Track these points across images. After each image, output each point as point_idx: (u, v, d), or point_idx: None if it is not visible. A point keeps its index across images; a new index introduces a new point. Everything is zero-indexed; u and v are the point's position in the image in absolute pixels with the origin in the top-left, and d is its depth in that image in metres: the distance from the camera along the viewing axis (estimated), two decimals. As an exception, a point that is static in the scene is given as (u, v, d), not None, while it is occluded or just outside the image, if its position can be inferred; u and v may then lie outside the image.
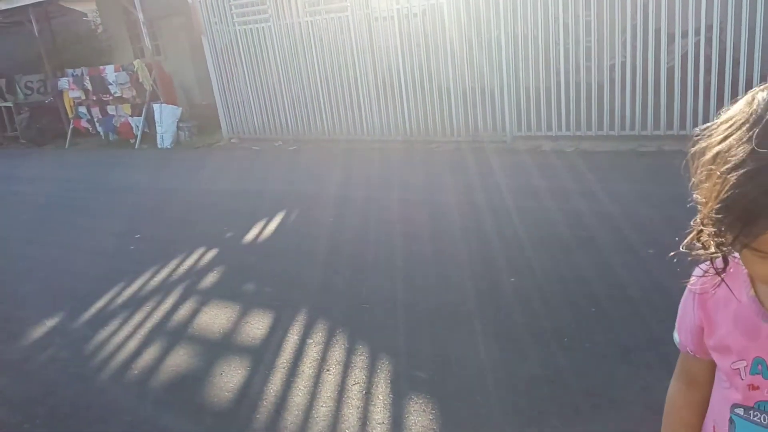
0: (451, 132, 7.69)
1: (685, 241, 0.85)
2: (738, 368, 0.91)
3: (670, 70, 6.52)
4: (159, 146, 11.02)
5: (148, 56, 11.56)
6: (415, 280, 3.95)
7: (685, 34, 6.69)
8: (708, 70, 6.24)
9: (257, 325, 3.61)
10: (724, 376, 0.95)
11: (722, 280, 0.87)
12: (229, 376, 3.12)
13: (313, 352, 3.22)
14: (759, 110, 0.74)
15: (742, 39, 6.02)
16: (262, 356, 3.27)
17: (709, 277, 0.91)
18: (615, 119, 6.66)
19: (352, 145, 8.37)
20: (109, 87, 11.30)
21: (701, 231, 0.81)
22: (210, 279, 4.41)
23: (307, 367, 3.09)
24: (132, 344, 3.60)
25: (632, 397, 2.52)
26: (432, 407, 2.64)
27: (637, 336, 2.96)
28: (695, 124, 6.15)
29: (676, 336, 1.05)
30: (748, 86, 5.97)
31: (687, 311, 1.00)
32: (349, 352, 3.17)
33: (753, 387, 0.89)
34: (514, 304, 3.45)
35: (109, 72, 11.29)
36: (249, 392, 2.97)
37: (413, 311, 3.54)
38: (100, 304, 4.23)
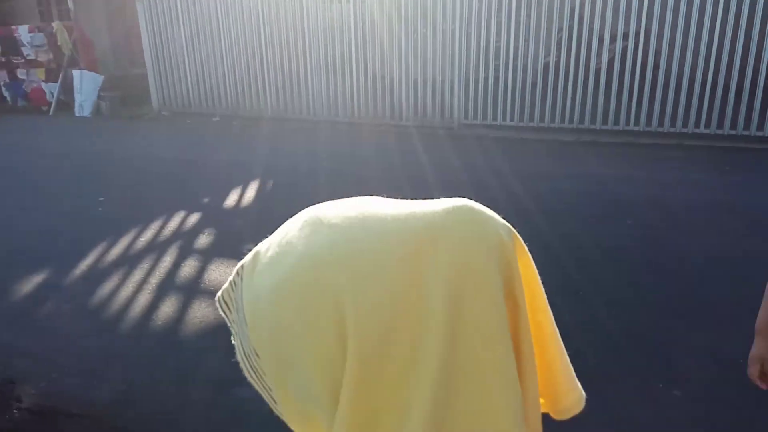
0: (400, 116, 7.96)
1: None
2: None
3: (599, 71, 7.16)
4: (77, 115, 10.39)
5: (58, 18, 10.83)
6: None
7: (613, 39, 7.39)
8: (633, 73, 6.94)
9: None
10: None
11: None
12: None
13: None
14: None
15: (664, 45, 6.75)
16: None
17: None
18: (556, 113, 7.21)
19: (297, 124, 8.40)
20: (22, 49, 10.48)
21: None
22: (205, 240, 4.39)
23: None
24: (143, 298, 3.55)
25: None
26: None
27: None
28: (627, 122, 6.87)
29: None
30: (666, 89, 6.73)
31: None
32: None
33: None
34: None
35: (23, 32, 10.47)
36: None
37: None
38: (89, 261, 4.09)
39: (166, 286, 3.71)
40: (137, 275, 3.86)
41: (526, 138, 7.08)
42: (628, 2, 6.84)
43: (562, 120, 7.15)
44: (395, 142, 7.05)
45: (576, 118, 7.10)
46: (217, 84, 9.17)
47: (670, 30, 6.76)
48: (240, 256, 2.86)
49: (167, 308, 3.43)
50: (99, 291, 3.68)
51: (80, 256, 4.17)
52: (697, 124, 6.63)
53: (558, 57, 7.43)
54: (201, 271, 3.88)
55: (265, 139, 7.55)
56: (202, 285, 3.70)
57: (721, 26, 6.35)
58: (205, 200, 5.30)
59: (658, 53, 6.91)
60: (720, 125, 6.48)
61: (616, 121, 6.94)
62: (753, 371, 1.49)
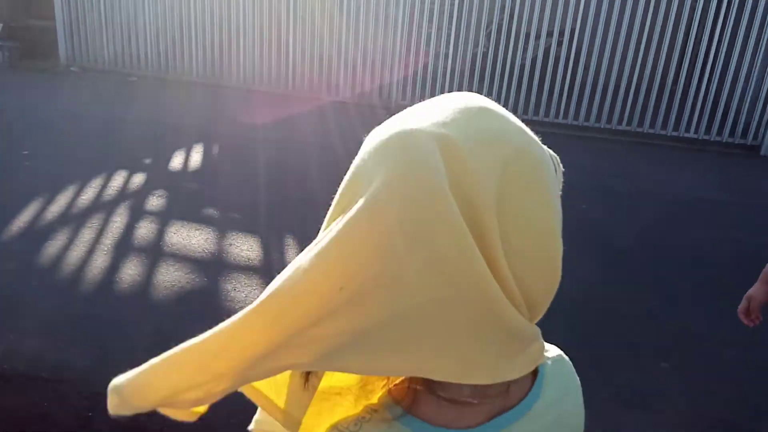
0: (336, 92, 7.85)
1: None
2: None
3: (529, 65, 7.43)
4: (-34, 63, 9.30)
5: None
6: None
7: (539, 36, 7.71)
8: (555, 69, 7.26)
9: (243, 247, 3.53)
10: None
11: None
12: (245, 291, 3.06)
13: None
14: None
15: (585, 43, 7.12)
16: (269, 272, 3.24)
17: None
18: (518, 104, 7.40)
19: (228, 92, 7.98)
20: None
21: None
22: (158, 202, 4.10)
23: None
24: (100, 260, 3.27)
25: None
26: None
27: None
28: (556, 114, 7.22)
29: None
30: (591, 85, 7.13)
31: None
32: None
33: None
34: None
35: None
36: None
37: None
38: (26, 217, 3.70)
39: (124, 247, 3.44)
40: (87, 235, 3.54)
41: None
42: (554, 2, 7.17)
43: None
44: (333, 116, 6.95)
45: (507, 107, 7.32)
46: (137, 42, 8.55)
47: (590, 31, 7.14)
48: (201, 221, 2.75)
49: (131, 271, 3.18)
50: (45, 250, 3.35)
51: (15, 212, 3.76)
52: (620, 122, 7.06)
53: (487, 49, 7.66)
54: (161, 233, 3.64)
55: (194, 103, 7.15)
56: (166, 248, 3.47)
57: (639, 30, 6.81)
58: (147, 161, 4.96)
59: (580, 52, 7.26)
60: (640, 124, 6.96)
61: (546, 113, 7.26)
62: (741, 307, 1.69)
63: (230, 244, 3.55)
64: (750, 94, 6.70)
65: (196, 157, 5.12)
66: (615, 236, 4.05)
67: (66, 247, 3.39)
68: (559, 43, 7.50)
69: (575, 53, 7.30)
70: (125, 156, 4.94)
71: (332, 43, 7.78)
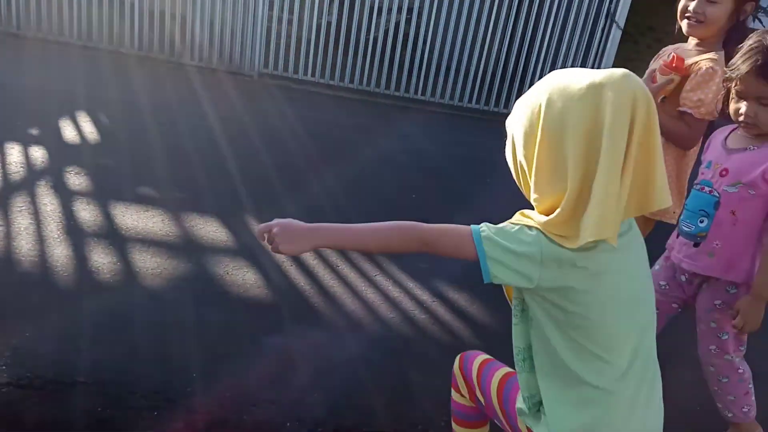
0: (200, 57, 7.41)
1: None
2: None
3: (375, 40, 7.72)
4: None
5: None
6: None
7: (389, 11, 8.08)
8: (404, 45, 7.67)
9: (209, 228, 3.42)
10: None
11: None
12: (239, 273, 3.03)
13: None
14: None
15: (432, 21, 7.63)
16: (250, 251, 3.22)
17: None
18: (346, 74, 7.59)
19: (35, 44, 6.98)
20: None
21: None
22: (80, 181, 3.70)
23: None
24: (57, 249, 2.95)
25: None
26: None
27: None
28: (407, 89, 7.66)
29: None
30: (434, 63, 7.64)
31: None
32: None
33: None
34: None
35: None
36: (270, 285, 3.01)
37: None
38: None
39: (75, 234, 3.13)
40: (23, 221, 3.14)
41: (323, 93, 7.35)
42: None
43: (351, 80, 7.57)
44: (201, 85, 6.64)
45: (357, 79, 7.56)
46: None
47: (436, 10, 7.66)
48: (144, 201, 3.04)
49: (103, 260, 2.94)
50: (-19, 241, 2.92)
51: None
52: (461, 98, 7.74)
53: (339, 19, 7.70)
54: (110, 217, 3.35)
55: (41, 62, 6.26)
56: (125, 233, 3.23)
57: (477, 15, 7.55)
58: (33, 132, 4.36)
59: (425, 30, 7.75)
60: (479, 101, 7.72)
61: (397, 87, 7.63)
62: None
63: (193, 226, 3.42)
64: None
65: (89, 127, 4.63)
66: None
67: (6, 237, 2.98)
68: (407, 21, 7.94)
69: (424, 30, 7.77)
70: (1, 126, 4.29)
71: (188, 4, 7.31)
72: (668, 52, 2.42)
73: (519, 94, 7.07)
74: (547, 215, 1.24)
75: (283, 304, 2.87)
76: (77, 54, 6.74)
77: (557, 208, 1.22)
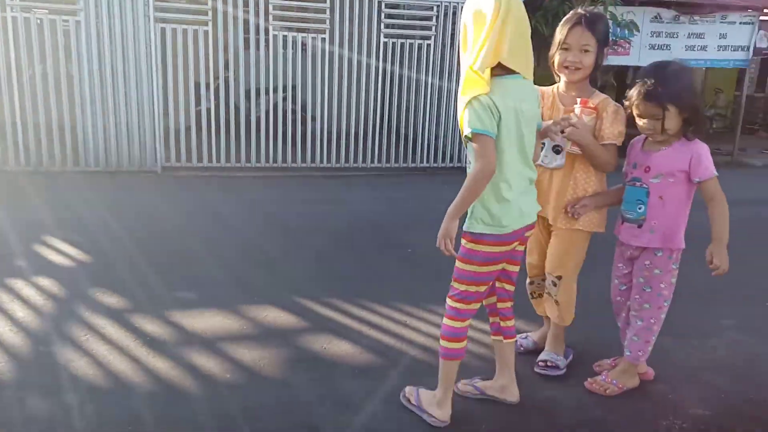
0: (95, 162, 7.32)
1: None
2: None
3: (259, 119, 8.13)
4: None
5: None
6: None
7: (273, 90, 8.51)
8: (285, 121, 8.08)
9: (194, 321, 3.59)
10: None
11: None
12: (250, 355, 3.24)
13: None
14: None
15: (309, 98, 8.20)
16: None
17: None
18: (251, 154, 7.93)
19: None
20: None
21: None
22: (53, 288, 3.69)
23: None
24: (70, 354, 3.01)
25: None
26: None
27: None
28: (293, 161, 8.11)
29: None
30: (320, 136, 8.19)
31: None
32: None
33: None
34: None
35: None
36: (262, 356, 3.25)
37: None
38: None
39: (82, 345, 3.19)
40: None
41: (236, 176, 7.62)
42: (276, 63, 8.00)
43: (247, 160, 7.87)
44: (111, 188, 6.63)
45: (253, 158, 7.92)
46: None
47: (319, 86, 8.30)
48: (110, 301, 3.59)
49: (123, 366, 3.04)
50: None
51: None
52: (355, 160, 8.34)
53: (217, 104, 7.96)
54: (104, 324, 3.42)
55: None
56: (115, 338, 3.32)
57: (357, 87, 8.29)
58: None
59: (307, 104, 8.33)
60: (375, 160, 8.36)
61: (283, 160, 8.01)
62: None
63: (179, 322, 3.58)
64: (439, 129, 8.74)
65: (62, 246, 4.54)
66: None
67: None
68: (284, 99, 8.44)
69: (301, 105, 8.36)
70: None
71: (76, 110, 7.25)
72: (548, 95, 2.93)
73: (390, 153, 8.09)
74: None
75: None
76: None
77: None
